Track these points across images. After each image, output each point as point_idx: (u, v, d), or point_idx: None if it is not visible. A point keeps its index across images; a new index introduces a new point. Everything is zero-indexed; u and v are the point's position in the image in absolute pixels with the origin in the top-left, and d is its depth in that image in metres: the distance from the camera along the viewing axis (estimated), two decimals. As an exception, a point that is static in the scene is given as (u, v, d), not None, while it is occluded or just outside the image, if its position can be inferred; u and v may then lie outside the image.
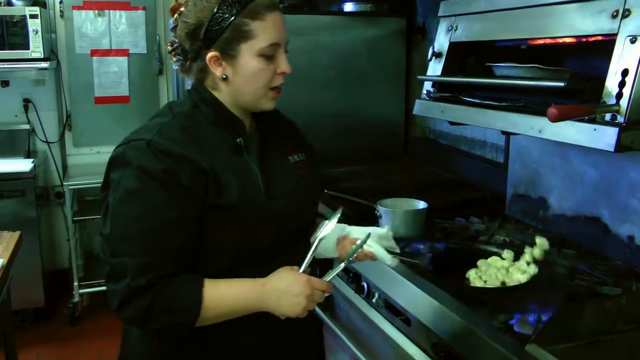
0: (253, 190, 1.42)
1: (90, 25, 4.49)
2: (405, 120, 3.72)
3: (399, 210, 2.18)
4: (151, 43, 4.63)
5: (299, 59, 3.48)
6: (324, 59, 3.52)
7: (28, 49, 3.89)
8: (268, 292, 1.37)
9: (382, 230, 1.67)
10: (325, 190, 2.66)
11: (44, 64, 3.94)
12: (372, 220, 2.22)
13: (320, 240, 1.48)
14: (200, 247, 1.38)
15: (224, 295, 1.36)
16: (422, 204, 2.23)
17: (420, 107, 2.23)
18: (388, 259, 1.58)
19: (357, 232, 1.65)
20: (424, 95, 2.21)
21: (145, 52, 4.63)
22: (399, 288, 1.83)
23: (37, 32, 3.88)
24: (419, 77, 2.22)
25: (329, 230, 1.50)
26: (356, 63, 3.58)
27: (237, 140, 1.45)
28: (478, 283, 1.81)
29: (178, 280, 1.33)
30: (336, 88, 3.58)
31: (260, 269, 1.40)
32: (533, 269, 1.83)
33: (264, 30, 1.40)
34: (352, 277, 2.11)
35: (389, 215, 2.17)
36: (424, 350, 1.68)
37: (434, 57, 2.18)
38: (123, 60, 4.59)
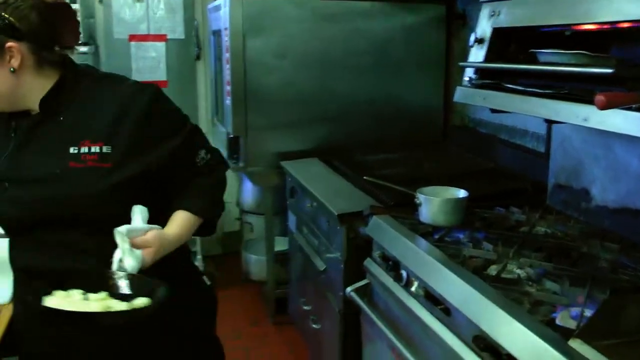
0: None
1: (128, 11, 4.49)
2: (444, 108, 3.68)
3: (439, 198, 2.16)
4: (189, 28, 4.63)
5: (336, 46, 3.47)
6: (362, 46, 3.50)
7: (68, 34, 3.90)
8: None
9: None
10: (364, 177, 2.65)
11: (84, 49, 3.98)
12: (412, 208, 2.21)
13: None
14: None
15: None
16: (462, 193, 2.20)
17: (461, 94, 2.19)
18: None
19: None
20: (465, 82, 2.17)
21: (183, 37, 4.64)
22: (439, 277, 1.80)
23: (76, 18, 3.90)
24: (461, 63, 2.18)
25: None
26: (394, 50, 3.56)
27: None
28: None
29: None
30: (373, 75, 3.57)
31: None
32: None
33: None
34: (391, 265, 2.09)
35: (429, 204, 2.14)
36: (464, 342, 1.65)
37: (475, 44, 2.14)
38: (161, 45, 4.61)
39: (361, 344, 2.46)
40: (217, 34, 3.78)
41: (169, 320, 1.61)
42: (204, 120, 4.75)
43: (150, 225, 1.53)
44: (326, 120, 3.55)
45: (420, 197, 2.17)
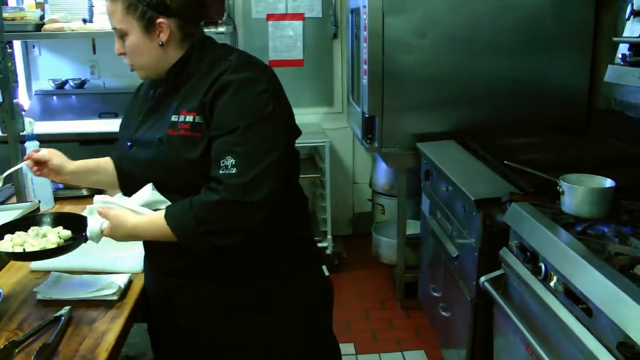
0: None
1: (267, -10, 4.56)
2: (590, 90, 3.45)
3: (583, 187, 2.01)
4: (327, 7, 4.61)
5: (479, 24, 3.35)
6: (506, 23, 3.35)
7: (208, 13, 4.00)
8: None
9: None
10: (505, 162, 2.53)
11: (222, 29, 4.05)
12: (554, 196, 2.07)
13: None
14: None
15: None
16: (609, 182, 2.04)
17: (613, 73, 2.01)
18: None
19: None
20: (618, 60, 1.99)
21: (321, 16, 4.63)
22: (581, 273, 1.67)
23: (215, -2, 3.99)
24: (615, 38, 2.00)
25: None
26: (540, 26, 3.38)
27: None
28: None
29: None
30: (516, 54, 3.41)
31: None
32: None
33: None
34: (529, 256, 1.97)
35: (573, 192, 2.00)
36: (607, 348, 1.52)
37: (632, 16, 1.95)
38: (298, 24, 4.63)
39: (492, 335, 2.36)
40: (355, 12, 3.75)
41: (281, 304, 1.67)
42: (339, 99, 4.74)
43: (132, 204, 1.58)
44: (465, 102, 3.43)
45: (564, 185, 2.02)
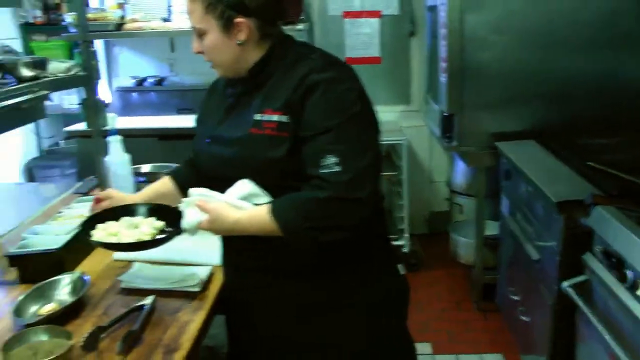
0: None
1: (344, -13, 4.55)
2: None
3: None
4: (404, 4, 4.57)
5: (560, 20, 3.27)
6: (588, 19, 3.24)
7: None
8: None
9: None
10: (588, 163, 2.44)
11: (299, 26, 4.06)
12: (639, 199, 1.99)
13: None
14: None
15: None
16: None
17: None
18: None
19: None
20: None
21: (398, 13, 4.58)
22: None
23: (292, -5, 4.00)
24: None
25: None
26: (620, 21, 3.24)
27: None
28: None
29: None
30: (599, 50, 3.28)
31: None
32: None
33: None
34: (614, 262, 1.90)
35: (662, 197, 1.91)
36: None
37: None
38: (375, 21, 4.59)
39: (574, 341, 2.28)
40: (433, 9, 3.70)
41: (359, 302, 1.67)
42: (416, 97, 4.69)
43: (225, 196, 1.57)
44: (545, 100, 3.33)
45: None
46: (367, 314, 1.69)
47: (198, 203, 1.57)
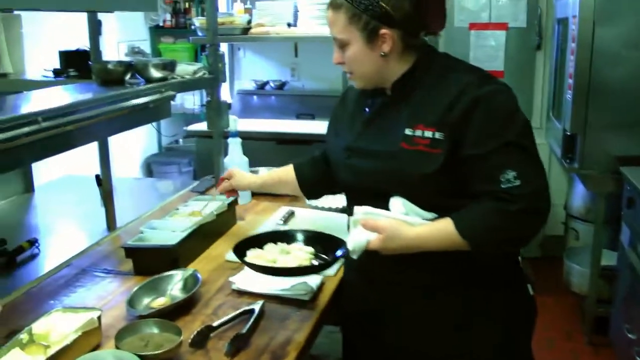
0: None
1: (470, -1, 4.48)
2: None
3: None
4: (531, 16, 4.42)
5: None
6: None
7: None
8: None
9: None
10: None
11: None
12: None
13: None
14: None
15: None
16: None
17: None
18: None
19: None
20: None
21: (525, 25, 4.45)
22: None
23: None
24: None
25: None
26: None
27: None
28: None
29: None
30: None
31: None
32: None
33: None
34: None
35: None
36: None
37: None
38: (501, 34, 4.49)
39: None
40: (562, 22, 3.55)
41: (490, 319, 1.62)
42: (538, 114, 4.52)
43: (397, 214, 1.53)
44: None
45: None
46: (502, 332, 1.65)
47: (367, 222, 1.53)
